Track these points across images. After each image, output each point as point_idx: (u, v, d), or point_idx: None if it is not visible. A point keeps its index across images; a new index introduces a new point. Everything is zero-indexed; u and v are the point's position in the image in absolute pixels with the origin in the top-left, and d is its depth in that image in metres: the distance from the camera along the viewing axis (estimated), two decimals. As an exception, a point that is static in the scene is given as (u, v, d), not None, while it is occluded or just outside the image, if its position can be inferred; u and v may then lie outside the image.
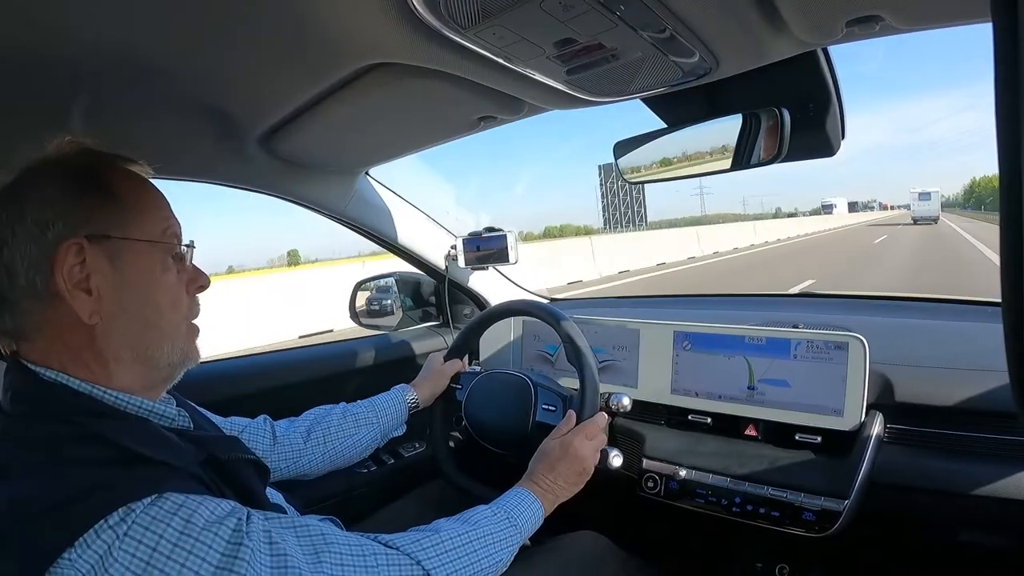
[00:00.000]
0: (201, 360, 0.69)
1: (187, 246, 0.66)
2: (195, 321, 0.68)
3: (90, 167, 0.61)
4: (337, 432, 1.01)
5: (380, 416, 1.07)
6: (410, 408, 1.12)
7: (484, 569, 0.73)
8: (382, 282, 1.76)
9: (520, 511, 0.83)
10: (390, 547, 0.66)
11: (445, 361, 1.22)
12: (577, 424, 0.97)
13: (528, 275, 1.83)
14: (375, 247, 1.57)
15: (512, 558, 0.79)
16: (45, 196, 0.57)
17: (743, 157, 0.93)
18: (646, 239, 19.30)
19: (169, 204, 0.66)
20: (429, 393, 1.16)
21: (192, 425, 0.66)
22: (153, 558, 0.45)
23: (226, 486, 0.57)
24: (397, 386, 1.14)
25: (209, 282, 0.69)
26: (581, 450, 0.92)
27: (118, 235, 0.59)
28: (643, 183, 1.09)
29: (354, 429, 1.03)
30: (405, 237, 1.55)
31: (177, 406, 0.67)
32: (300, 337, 7.58)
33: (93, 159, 0.62)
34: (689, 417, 1.21)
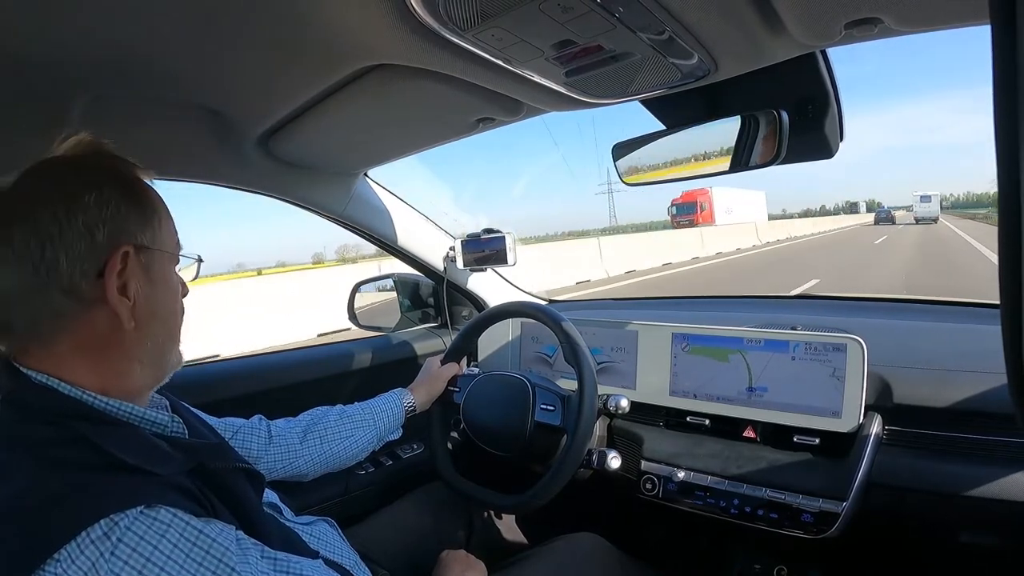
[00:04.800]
0: (198, 361, 0.69)
1: (197, 259, 0.71)
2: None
3: (127, 176, 0.61)
4: (334, 434, 1.01)
5: (377, 419, 1.07)
6: (407, 412, 1.12)
7: None
8: (381, 283, 1.76)
9: None
10: None
11: (442, 364, 1.22)
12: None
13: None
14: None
15: None
16: (98, 198, 0.56)
17: (742, 159, 0.93)
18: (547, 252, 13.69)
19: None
20: (426, 397, 1.16)
21: (186, 430, 0.65)
22: None
23: (215, 496, 0.56)
24: (394, 390, 1.14)
25: (187, 291, 0.71)
26: None
27: (154, 246, 0.61)
28: (641, 185, 1.09)
29: (350, 431, 1.03)
30: (404, 238, 1.54)
31: (171, 409, 0.67)
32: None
33: (125, 167, 0.62)
34: (687, 419, 1.21)
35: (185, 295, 0.70)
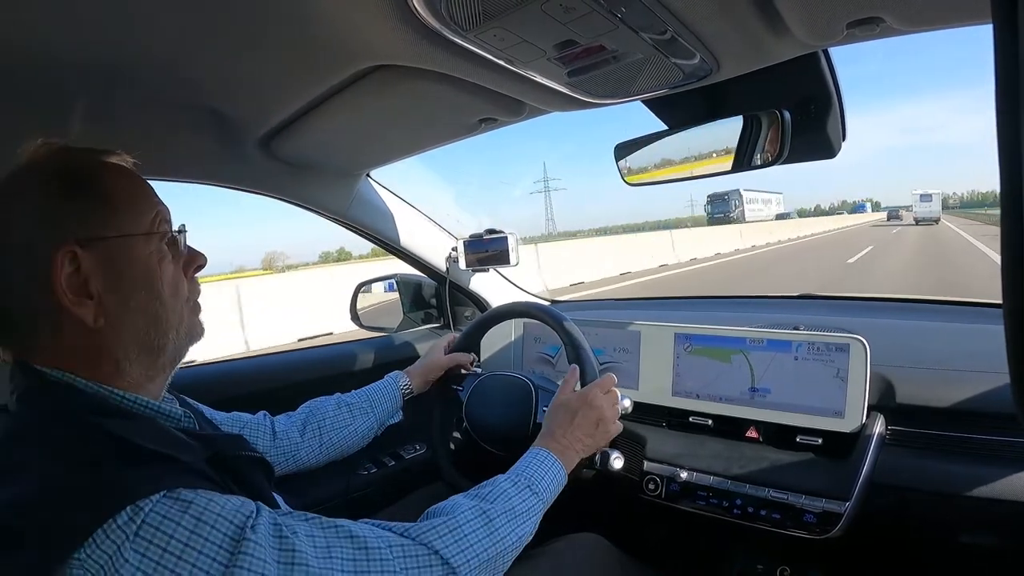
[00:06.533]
0: (201, 361, 0.69)
1: (178, 232, 0.65)
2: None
3: (70, 167, 0.59)
4: (332, 423, 1.02)
5: (375, 404, 1.08)
6: (404, 395, 1.13)
7: (508, 547, 0.70)
8: (383, 284, 1.76)
9: (540, 476, 0.80)
10: (405, 537, 0.63)
11: (453, 351, 1.22)
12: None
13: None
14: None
15: (536, 528, 0.76)
16: (29, 206, 0.55)
17: (744, 159, 0.94)
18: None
19: (155, 191, 0.64)
20: (422, 380, 1.17)
21: (197, 425, 0.65)
22: (164, 558, 0.45)
23: (234, 483, 0.57)
24: (390, 373, 1.15)
25: (206, 260, 0.68)
26: (596, 400, 0.91)
27: (110, 234, 0.57)
28: (643, 185, 1.09)
29: (349, 419, 1.04)
30: (406, 239, 1.55)
31: (181, 406, 0.67)
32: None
33: (71, 158, 0.60)
34: (690, 419, 1.21)
35: (200, 267, 0.67)
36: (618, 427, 0.95)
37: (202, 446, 0.58)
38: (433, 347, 1.24)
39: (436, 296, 1.74)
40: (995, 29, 0.28)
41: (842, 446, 1.02)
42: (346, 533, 0.58)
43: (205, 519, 0.47)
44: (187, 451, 0.55)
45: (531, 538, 0.75)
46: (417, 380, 1.16)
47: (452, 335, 1.27)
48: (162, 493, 0.47)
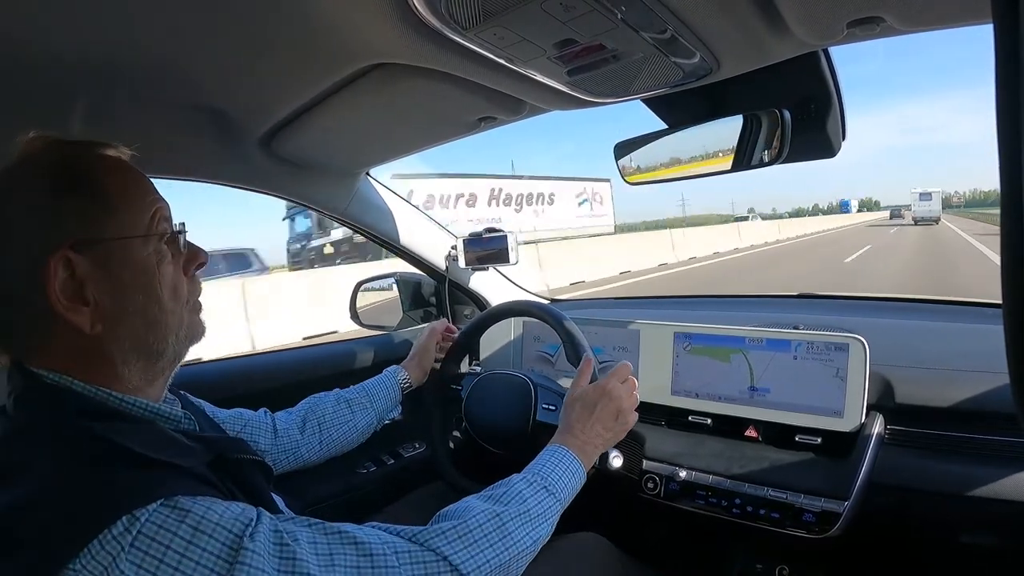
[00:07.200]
0: (202, 360, 0.69)
1: (178, 231, 0.63)
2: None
3: (66, 162, 0.57)
4: (332, 420, 1.02)
5: (374, 400, 1.08)
6: (403, 388, 1.13)
7: (522, 552, 0.68)
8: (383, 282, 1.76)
9: (558, 475, 0.78)
10: (413, 542, 0.61)
11: (443, 364, 1.22)
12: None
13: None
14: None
15: (552, 529, 0.74)
16: (23, 206, 0.54)
17: (744, 158, 0.94)
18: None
19: (154, 186, 0.62)
20: (420, 370, 1.17)
21: (197, 427, 0.65)
22: (160, 570, 0.44)
23: (235, 486, 0.57)
24: (388, 368, 1.15)
25: (207, 258, 0.66)
26: (616, 390, 0.89)
27: (107, 235, 0.55)
28: (643, 184, 1.09)
29: (349, 415, 1.04)
30: (406, 237, 1.55)
31: (183, 407, 0.66)
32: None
33: (67, 153, 0.58)
34: (689, 418, 1.21)
35: (201, 265, 0.65)
36: (635, 417, 0.93)
37: (203, 448, 0.57)
38: (419, 336, 1.24)
39: (436, 295, 1.74)
40: (995, 29, 0.28)
41: (841, 445, 1.02)
42: (350, 539, 0.57)
43: (203, 528, 0.46)
44: (187, 454, 0.54)
45: (547, 540, 0.73)
46: (415, 372, 1.16)
47: (438, 322, 1.26)
48: (159, 501, 0.46)
